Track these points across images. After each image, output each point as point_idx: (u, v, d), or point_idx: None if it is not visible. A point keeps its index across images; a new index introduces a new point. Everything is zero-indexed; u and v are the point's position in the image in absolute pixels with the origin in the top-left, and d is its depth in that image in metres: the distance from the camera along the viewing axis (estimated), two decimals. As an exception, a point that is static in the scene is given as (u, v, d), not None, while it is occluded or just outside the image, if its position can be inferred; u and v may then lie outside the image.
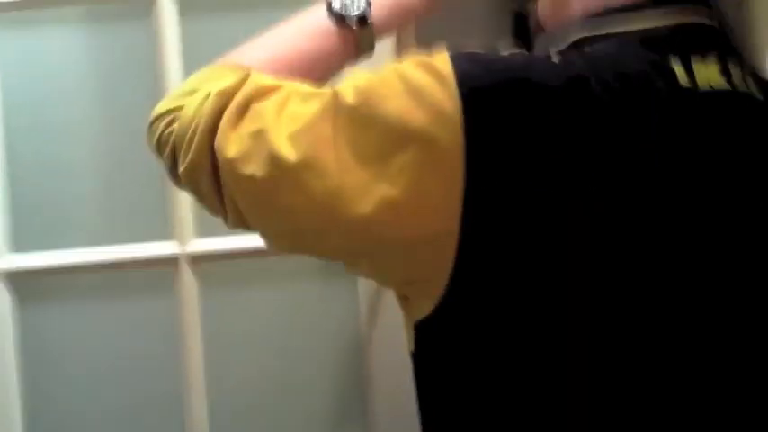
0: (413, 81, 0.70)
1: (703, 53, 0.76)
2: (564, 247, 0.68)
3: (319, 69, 0.88)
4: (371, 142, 0.70)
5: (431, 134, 0.67)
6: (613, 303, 0.69)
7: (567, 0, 0.82)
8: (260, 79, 0.79)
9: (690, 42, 0.76)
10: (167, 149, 0.80)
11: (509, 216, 0.67)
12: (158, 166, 0.83)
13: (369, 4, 0.89)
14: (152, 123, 0.83)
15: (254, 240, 0.83)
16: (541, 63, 0.72)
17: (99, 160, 1.16)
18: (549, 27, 0.85)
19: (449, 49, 0.71)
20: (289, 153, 0.71)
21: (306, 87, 0.78)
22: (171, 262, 1.12)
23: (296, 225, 0.74)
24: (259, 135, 0.73)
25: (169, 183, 0.83)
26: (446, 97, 0.68)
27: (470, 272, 0.69)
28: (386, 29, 0.92)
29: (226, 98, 0.76)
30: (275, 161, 0.72)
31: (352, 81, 0.74)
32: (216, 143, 0.75)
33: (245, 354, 1.19)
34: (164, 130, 0.81)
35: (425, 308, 0.73)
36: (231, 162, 0.74)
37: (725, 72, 0.76)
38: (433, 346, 0.76)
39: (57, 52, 1.15)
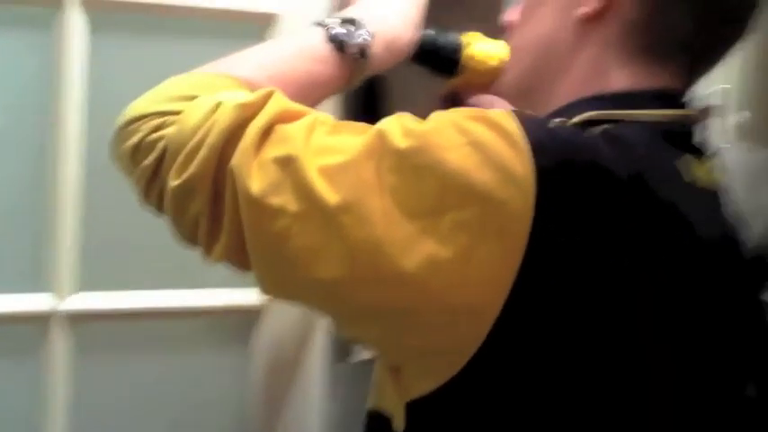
0: (475, 134, 0.64)
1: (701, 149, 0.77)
2: (626, 326, 0.66)
3: (313, 95, 0.81)
4: (423, 194, 0.63)
5: (498, 197, 0.62)
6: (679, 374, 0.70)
7: (565, 76, 0.79)
8: (286, 100, 0.70)
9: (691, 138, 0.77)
10: (151, 156, 0.69)
11: (563, 295, 0.63)
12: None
13: (371, 36, 0.83)
14: (128, 124, 0.72)
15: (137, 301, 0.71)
16: (602, 146, 0.67)
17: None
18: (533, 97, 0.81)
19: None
20: (326, 192, 0.64)
21: (329, 117, 0.70)
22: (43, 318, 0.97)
23: (315, 271, 0.65)
24: (289, 163, 0.65)
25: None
26: (518, 162, 0.62)
27: (506, 346, 0.63)
28: (378, 66, 0.86)
29: (247, 113, 0.68)
30: (311, 198, 0.64)
31: (399, 121, 0.66)
32: (235, 164, 0.66)
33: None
34: (148, 134, 0.70)
35: (432, 382, 0.66)
36: (257, 190, 0.65)
37: (708, 167, 0.77)
38: (441, 422, 0.67)
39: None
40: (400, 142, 0.64)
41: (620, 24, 0.77)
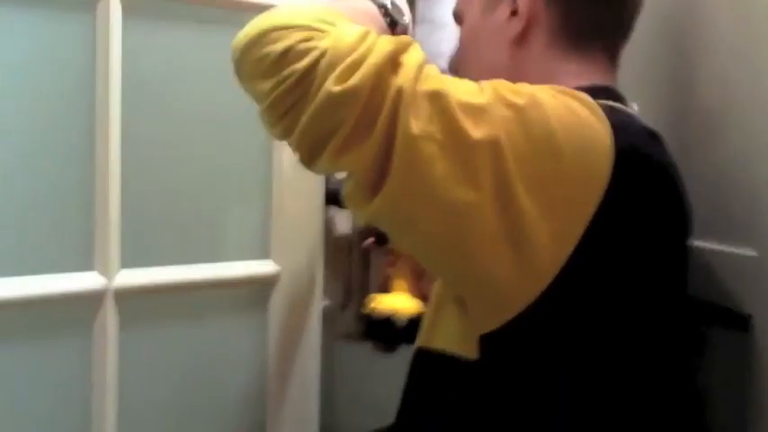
0: (568, 101, 0.81)
1: None
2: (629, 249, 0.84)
3: None
4: (534, 140, 0.78)
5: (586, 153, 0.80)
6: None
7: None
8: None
9: None
10: (305, 61, 0.77)
11: (622, 246, 0.82)
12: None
13: (408, 24, 0.96)
14: (269, 31, 0.79)
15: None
16: (650, 140, 0.88)
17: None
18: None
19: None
20: (470, 127, 0.76)
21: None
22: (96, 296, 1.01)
23: (454, 192, 0.76)
24: (440, 97, 0.77)
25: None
26: (603, 132, 0.81)
27: (576, 283, 0.79)
28: None
29: (400, 48, 0.78)
30: (456, 131, 0.76)
31: (505, 84, 0.81)
32: (404, 87, 0.76)
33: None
34: (299, 42, 0.78)
35: (502, 316, 0.80)
36: (415, 117, 0.75)
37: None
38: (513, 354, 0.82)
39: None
40: (517, 99, 0.79)
41: (546, 33, 0.95)
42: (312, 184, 1.18)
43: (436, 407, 0.91)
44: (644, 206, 0.84)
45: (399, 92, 0.75)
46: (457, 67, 1.03)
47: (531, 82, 0.86)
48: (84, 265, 1.01)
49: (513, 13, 0.95)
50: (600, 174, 0.79)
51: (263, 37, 0.79)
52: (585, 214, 0.78)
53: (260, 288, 1.15)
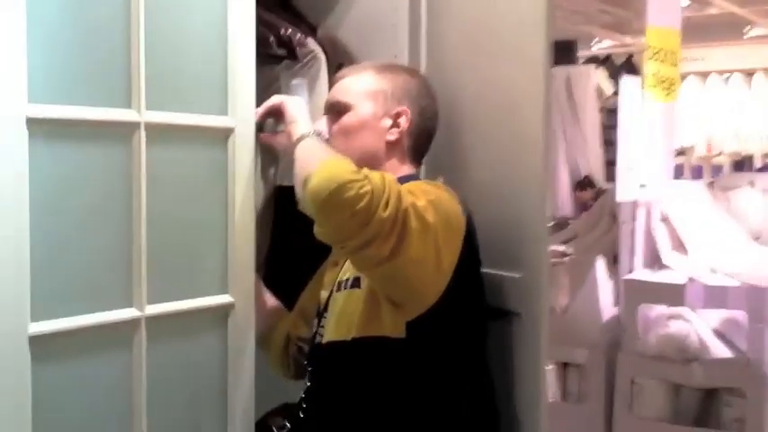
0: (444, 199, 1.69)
1: None
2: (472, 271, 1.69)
3: None
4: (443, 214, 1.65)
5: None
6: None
7: None
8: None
9: None
10: (362, 202, 1.51)
11: (469, 254, 1.62)
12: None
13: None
14: (345, 185, 1.52)
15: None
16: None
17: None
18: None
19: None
20: (432, 221, 1.60)
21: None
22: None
23: (434, 252, 1.57)
24: (419, 209, 1.59)
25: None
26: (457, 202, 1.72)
27: (459, 283, 1.62)
28: None
29: (394, 181, 1.60)
30: (429, 220, 1.61)
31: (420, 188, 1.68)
32: (410, 204, 1.57)
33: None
34: (358, 191, 1.51)
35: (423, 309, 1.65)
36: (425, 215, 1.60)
37: None
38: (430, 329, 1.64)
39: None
40: (431, 197, 1.66)
41: (403, 144, 1.86)
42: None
43: (366, 383, 1.63)
44: (472, 243, 1.70)
45: (406, 210, 1.53)
46: (335, 143, 1.80)
47: (386, 169, 1.73)
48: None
49: (395, 125, 1.79)
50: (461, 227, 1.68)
51: (342, 187, 1.53)
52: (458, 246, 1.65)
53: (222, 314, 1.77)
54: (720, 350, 4.13)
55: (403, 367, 1.67)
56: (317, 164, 1.58)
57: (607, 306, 4.40)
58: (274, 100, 1.84)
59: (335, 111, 1.85)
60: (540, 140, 1.74)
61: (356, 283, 1.72)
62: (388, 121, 1.83)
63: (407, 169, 1.84)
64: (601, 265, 4.39)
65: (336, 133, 1.83)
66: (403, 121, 1.83)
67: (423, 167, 1.93)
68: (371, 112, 1.82)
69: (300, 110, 1.81)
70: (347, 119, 1.83)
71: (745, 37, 6.56)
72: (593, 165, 5.67)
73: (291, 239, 1.97)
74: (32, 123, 1.43)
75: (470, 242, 1.69)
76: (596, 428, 4.27)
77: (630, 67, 6.04)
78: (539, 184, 1.77)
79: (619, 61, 6.35)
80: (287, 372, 2.05)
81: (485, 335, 1.77)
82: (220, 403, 1.77)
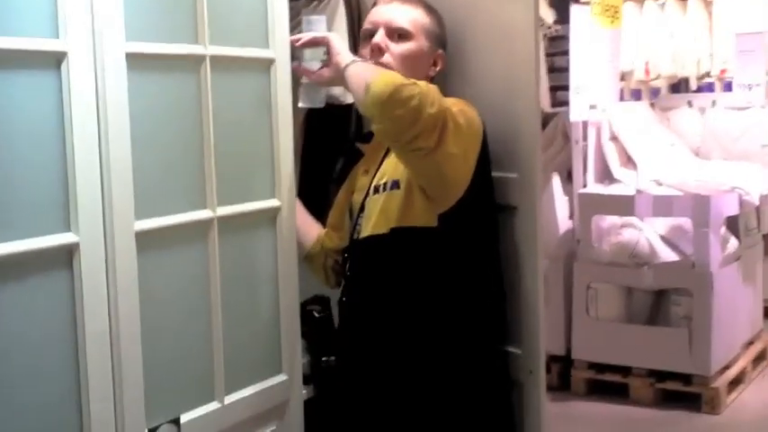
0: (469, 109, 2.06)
1: None
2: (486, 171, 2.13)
3: None
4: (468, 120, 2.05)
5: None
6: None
7: None
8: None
9: None
10: (414, 101, 1.95)
11: (484, 155, 2.08)
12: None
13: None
14: (400, 87, 1.97)
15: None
16: None
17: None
18: None
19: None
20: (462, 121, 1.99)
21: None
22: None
23: (463, 150, 1.97)
24: (459, 111, 2.00)
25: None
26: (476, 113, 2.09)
27: (476, 180, 2.01)
28: None
29: (436, 89, 2.05)
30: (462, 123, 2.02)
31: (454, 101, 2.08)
32: (447, 108, 1.97)
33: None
34: (410, 92, 1.95)
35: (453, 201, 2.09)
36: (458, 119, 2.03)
37: None
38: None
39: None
40: (460, 106, 2.10)
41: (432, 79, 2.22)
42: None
43: (403, 267, 2.11)
44: (486, 147, 2.09)
45: (445, 111, 1.96)
46: (392, 66, 2.22)
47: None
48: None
49: (434, 64, 2.22)
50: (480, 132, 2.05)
51: (400, 89, 1.97)
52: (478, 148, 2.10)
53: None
54: (668, 254, 4.63)
55: (434, 252, 2.12)
56: (373, 75, 2.00)
57: (563, 219, 4.85)
58: (317, 35, 2.22)
59: (397, 33, 2.26)
60: (531, 60, 2.17)
61: (395, 185, 2.16)
62: (431, 60, 2.31)
63: None
64: (556, 182, 4.83)
65: (396, 53, 2.25)
66: (440, 65, 2.33)
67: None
68: (426, 48, 2.29)
69: (344, 43, 2.25)
70: (408, 47, 2.26)
71: (680, -37, 6.99)
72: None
73: (318, 151, 2.40)
74: (130, 57, 1.79)
75: (485, 146, 2.12)
76: (557, 331, 4.75)
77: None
78: (531, 97, 2.21)
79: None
80: (328, 281, 2.49)
81: (497, 225, 2.20)
82: (272, 290, 2.17)
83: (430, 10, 2.32)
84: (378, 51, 2.23)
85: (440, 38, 2.32)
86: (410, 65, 2.23)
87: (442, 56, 2.33)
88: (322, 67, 2.21)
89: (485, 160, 2.15)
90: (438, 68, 2.33)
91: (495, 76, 2.31)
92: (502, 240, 2.25)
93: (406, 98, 1.94)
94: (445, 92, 2.14)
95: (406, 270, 2.16)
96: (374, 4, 2.36)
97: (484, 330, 2.20)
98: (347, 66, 2.13)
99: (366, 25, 2.33)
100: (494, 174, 2.22)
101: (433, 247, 2.12)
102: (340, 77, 2.16)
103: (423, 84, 2.01)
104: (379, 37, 2.24)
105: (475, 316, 2.18)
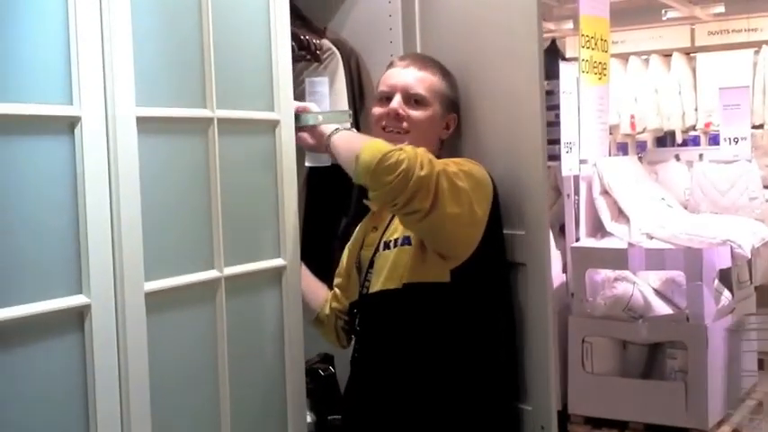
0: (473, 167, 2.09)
1: None
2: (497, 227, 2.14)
3: None
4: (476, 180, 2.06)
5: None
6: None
7: None
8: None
9: None
10: (403, 166, 1.99)
11: (495, 213, 2.07)
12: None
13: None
14: (386, 154, 2.02)
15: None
16: None
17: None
18: None
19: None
20: (463, 184, 1.98)
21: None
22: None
23: (468, 208, 2.01)
24: (448, 173, 1.98)
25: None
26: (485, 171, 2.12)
27: (488, 237, 2.03)
28: None
29: (425, 151, 2.03)
30: (460, 184, 2.01)
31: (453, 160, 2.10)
32: (441, 170, 1.99)
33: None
34: (398, 158, 2.00)
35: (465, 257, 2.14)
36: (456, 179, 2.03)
37: None
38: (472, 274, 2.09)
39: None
40: (463, 168, 2.12)
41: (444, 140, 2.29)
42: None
43: (415, 322, 2.15)
44: (497, 204, 2.13)
45: (438, 173, 1.98)
46: (408, 131, 2.31)
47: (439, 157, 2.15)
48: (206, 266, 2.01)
49: (446, 128, 2.30)
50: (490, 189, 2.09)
51: (382, 158, 2.03)
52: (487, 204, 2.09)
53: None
54: (662, 308, 4.65)
55: (447, 307, 2.17)
56: (360, 145, 2.05)
57: (557, 273, 4.87)
58: (300, 104, 2.33)
59: (414, 99, 2.36)
60: (537, 117, 2.22)
61: (406, 241, 2.22)
62: (443, 123, 2.42)
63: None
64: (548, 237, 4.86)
65: (413, 119, 2.36)
66: (452, 128, 2.44)
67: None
68: (439, 114, 2.40)
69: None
70: (424, 113, 2.38)
71: (663, 18, 7.14)
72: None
73: (321, 211, 2.45)
74: (140, 121, 1.84)
75: (495, 203, 2.16)
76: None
77: (554, 50, 6.56)
78: (537, 156, 2.25)
79: (544, 46, 6.87)
80: (340, 342, 2.54)
81: (508, 281, 2.24)
82: (278, 348, 2.20)
83: (444, 74, 2.42)
84: (396, 118, 2.34)
85: (453, 101, 2.43)
86: (425, 129, 2.34)
87: (454, 119, 2.43)
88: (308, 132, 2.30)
89: (496, 216, 2.20)
90: (450, 131, 2.42)
91: (502, 135, 2.37)
92: (513, 296, 2.29)
93: (394, 164, 2.01)
94: (455, 151, 2.18)
95: (418, 325, 2.20)
96: (390, 65, 2.43)
97: (496, 387, 2.24)
98: (330, 135, 2.22)
99: (382, 87, 2.43)
100: (504, 231, 2.27)
101: (445, 302, 2.17)
102: (323, 146, 2.26)
103: (409, 148, 2.07)
104: (396, 103, 2.34)
105: (487, 372, 2.22)
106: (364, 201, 2.17)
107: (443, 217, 2.05)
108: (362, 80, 2.68)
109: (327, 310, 2.52)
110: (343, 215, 2.60)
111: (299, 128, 2.28)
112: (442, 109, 2.40)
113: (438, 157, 2.17)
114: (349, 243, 2.50)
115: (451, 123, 2.44)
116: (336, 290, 2.54)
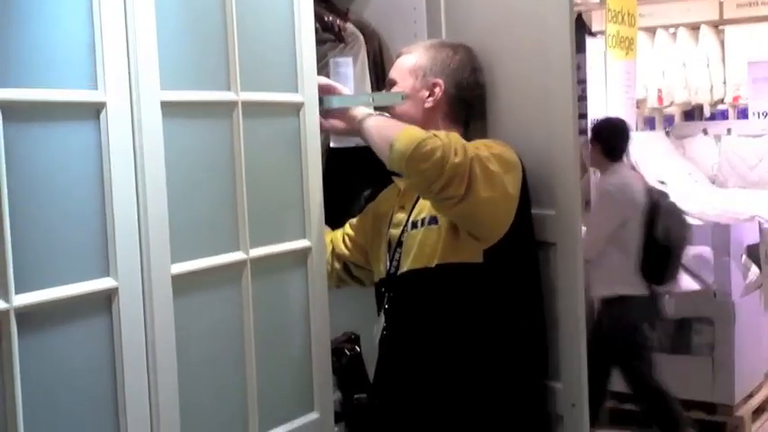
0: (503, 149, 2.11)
1: None
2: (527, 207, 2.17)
3: None
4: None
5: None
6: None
7: None
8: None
9: None
10: (438, 153, 2.00)
11: (525, 193, 2.16)
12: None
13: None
14: (421, 142, 2.02)
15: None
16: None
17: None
18: None
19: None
20: (495, 168, 2.00)
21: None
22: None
23: (501, 191, 2.03)
24: (490, 154, 2.02)
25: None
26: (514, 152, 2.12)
27: (519, 217, 2.06)
28: None
29: (458, 137, 2.04)
30: (492, 168, 2.03)
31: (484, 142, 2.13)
32: (474, 155, 1.99)
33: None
34: (432, 146, 2.00)
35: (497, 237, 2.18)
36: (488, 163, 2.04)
37: None
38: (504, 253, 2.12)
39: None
40: (493, 150, 2.14)
41: (441, 110, 2.30)
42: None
43: (448, 302, 2.16)
44: (526, 185, 2.14)
45: (472, 158, 1.98)
46: (390, 112, 2.29)
47: (432, 128, 2.18)
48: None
49: (431, 95, 2.26)
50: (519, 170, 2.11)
51: (420, 143, 2.03)
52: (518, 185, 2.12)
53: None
54: (689, 283, 4.65)
55: (479, 287, 2.18)
56: (394, 133, 2.08)
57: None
58: (331, 83, 2.35)
59: (390, 85, 2.34)
60: (569, 94, 2.21)
61: (433, 220, 2.23)
62: (425, 92, 2.31)
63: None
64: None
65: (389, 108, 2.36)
66: (438, 92, 2.34)
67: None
68: (410, 86, 2.31)
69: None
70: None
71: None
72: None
73: (338, 192, 2.46)
74: (165, 105, 1.84)
75: (525, 184, 2.17)
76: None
77: (581, 24, 6.52)
78: (568, 133, 2.24)
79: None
80: (328, 280, 2.51)
81: (537, 261, 2.24)
82: (304, 328, 2.21)
83: (430, 47, 2.43)
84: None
85: (436, 69, 2.37)
86: (404, 110, 2.34)
87: (438, 83, 2.36)
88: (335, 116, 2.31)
89: (525, 197, 2.21)
90: (437, 96, 2.36)
91: (531, 113, 2.35)
92: (543, 275, 2.29)
93: (429, 152, 2.02)
94: (483, 130, 2.16)
95: (451, 305, 2.22)
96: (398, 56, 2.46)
97: (527, 365, 2.26)
98: (362, 119, 2.23)
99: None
100: (532, 211, 2.27)
101: (478, 282, 2.19)
102: (355, 131, 2.27)
103: (443, 134, 2.08)
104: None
105: (518, 350, 2.23)
106: (393, 177, 2.18)
107: (477, 201, 2.06)
108: (384, 62, 2.66)
109: (327, 245, 2.51)
110: (368, 187, 2.61)
111: (343, 109, 2.30)
112: (415, 80, 2.36)
113: (465, 138, 2.17)
114: (372, 204, 2.57)
115: (437, 89, 2.35)
116: (344, 234, 2.61)
